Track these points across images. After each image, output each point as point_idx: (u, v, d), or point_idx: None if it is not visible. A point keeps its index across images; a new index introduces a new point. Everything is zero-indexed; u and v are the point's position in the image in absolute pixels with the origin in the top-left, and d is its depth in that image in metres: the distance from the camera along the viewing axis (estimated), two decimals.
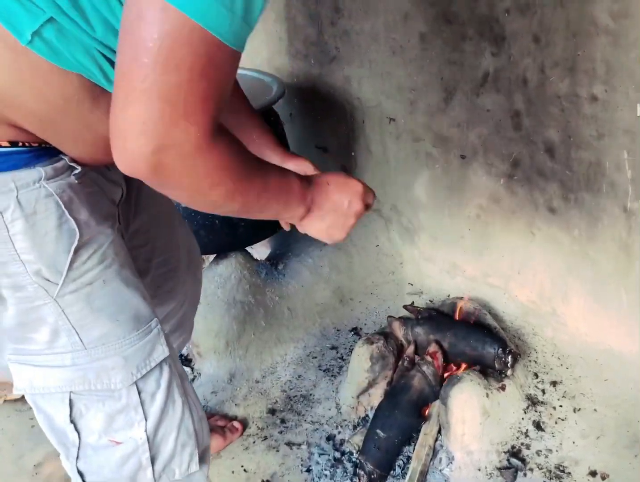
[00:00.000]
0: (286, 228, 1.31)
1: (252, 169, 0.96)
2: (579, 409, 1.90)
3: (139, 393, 1.12)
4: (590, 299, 2.02)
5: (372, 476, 1.73)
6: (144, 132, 0.79)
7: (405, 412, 1.81)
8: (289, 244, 2.56)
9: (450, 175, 2.24)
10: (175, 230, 1.55)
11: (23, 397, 2.00)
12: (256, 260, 2.39)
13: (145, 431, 1.14)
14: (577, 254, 1.99)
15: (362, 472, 1.74)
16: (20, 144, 0.95)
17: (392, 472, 1.78)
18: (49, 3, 0.87)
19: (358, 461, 1.78)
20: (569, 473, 1.74)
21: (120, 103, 0.80)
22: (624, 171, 1.76)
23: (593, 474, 1.72)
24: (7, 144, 0.94)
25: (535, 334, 2.14)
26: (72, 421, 1.11)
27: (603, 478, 1.71)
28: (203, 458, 1.26)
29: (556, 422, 1.87)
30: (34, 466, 1.87)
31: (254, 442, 1.92)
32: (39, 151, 0.97)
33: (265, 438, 1.93)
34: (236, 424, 1.97)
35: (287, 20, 2.52)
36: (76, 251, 1.01)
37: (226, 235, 1.68)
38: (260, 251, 2.65)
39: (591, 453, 1.78)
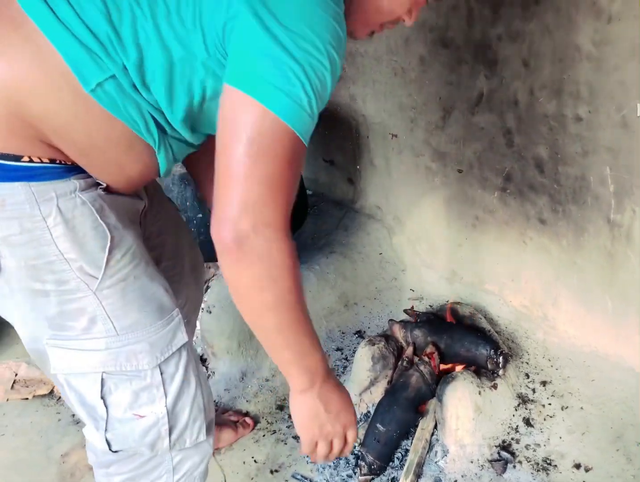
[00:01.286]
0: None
1: (301, 295, 1.12)
2: (567, 407, 2.01)
3: (161, 374, 1.26)
4: (578, 304, 2.13)
5: (372, 467, 1.86)
6: (245, 210, 1.00)
7: (403, 408, 1.94)
8: (297, 251, 2.69)
9: (449, 188, 2.37)
10: (181, 239, 1.70)
11: (51, 392, 2.19)
12: None
13: (166, 406, 1.27)
14: (565, 262, 2.11)
15: (363, 463, 1.87)
16: (57, 161, 1.10)
17: (391, 463, 1.90)
18: (116, 63, 1.04)
19: (359, 452, 1.91)
20: (555, 466, 1.85)
21: (226, 185, 1.01)
22: (607, 185, 1.88)
23: (577, 466, 1.84)
24: (47, 161, 1.08)
25: (528, 337, 2.26)
26: (102, 397, 1.23)
27: (587, 470, 1.83)
28: (209, 429, 1.40)
29: (545, 419, 1.98)
30: (61, 455, 2.01)
31: (263, 435, 2.06)
32: (72, 167, 1.12)
33: (274, 432, 2.07)
34: (248, 419, 2.10)
35: None
36: (110, 251, 1.15)
37: None
38: None
39: (576, 448, 1.89)
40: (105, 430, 1.27)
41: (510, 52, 1.95)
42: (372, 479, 1.87)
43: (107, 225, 1.15)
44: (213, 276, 2.46)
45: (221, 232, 1.02)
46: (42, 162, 1.07)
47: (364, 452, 1.89)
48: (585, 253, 2.04)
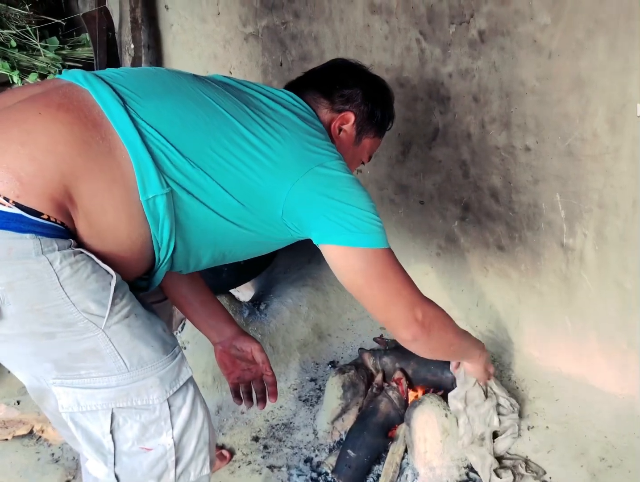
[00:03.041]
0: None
1: (454, 322, 1.61)
2: (532, 427, 2.07)
3: (169, 407, 1.31)
4: (540, 326, 2.20)
5: None
6: (412, 314, 1.42)
7: (373, 433, 1.99)
8: (270, 286, 2.76)
9: (412, 219, 2.46)
10: None
11: (30, 432, 2.23)
12: (240, 301, 2.59)
13: (172, 437, 1.32)
14: (525, 286, 2.19)
15: None
16: (65, 224, 1.18)
17: None
18: (173, 183, 1.26)
19: (332, 479, 1.96)
20: None
21: (389, 312, 1.43)
22: (558, 211, 1.96)
23: None
24: (59, 223, 1.16)
25: (494, 360, 2.32)
26: (110, 432, 1.27)
27: None
28: (212, 463, 1.45)
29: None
30: None
31: (239, 466, 2.10)
32: (73, 233, 1.21)
33: (250, 463, 2.11)
34: (224, 452, 2.13)
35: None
36: (115, 289, 1.21)
37: (210, 280, 1.88)
38: (245, 293, 2.85)
39: (542, 466, 1.93)
40: (114, 464, 1.30)
41: (461, 89, 2.06)
42: None
43: (106, 267, 1.22)
44: None
45: (413, 334, 1.44)
46: (56, 222, 1.15)
47: (335, 479, 1.93)
48: (542, 277, 2.12)
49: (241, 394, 1.86)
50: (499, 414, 1.96)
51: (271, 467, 2.08)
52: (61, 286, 1.14)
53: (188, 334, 2.36)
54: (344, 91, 1.63)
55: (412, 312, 1.42)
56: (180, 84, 1.39)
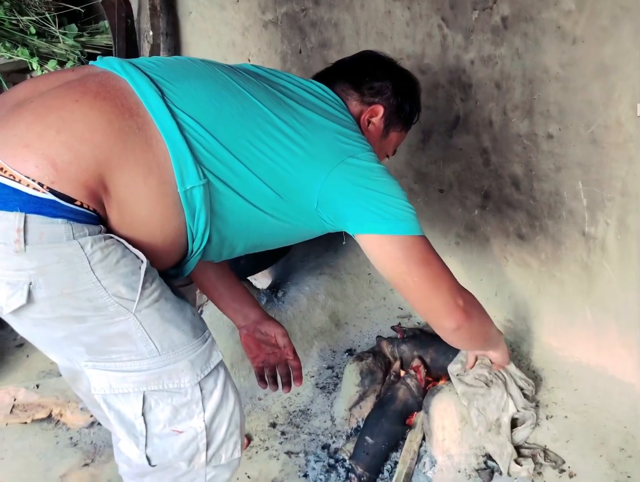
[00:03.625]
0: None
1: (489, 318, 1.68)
2: (551, 417, 2.06)
3: (201, 390, 1.32)
4: (559, 316, 2.19)
5: (362, 479, 1.91)
6: (454, 302, 1.45)
7: (391, 420, 1.99)
8: (288, 273, 2.76)
9: (431, 208, 2.45)
10: None
11: (49, 415, 2.25)
12: (258, 288, 2.59)
13: (204, 420, 1.34)
14: (545, 275, 2.18)
15: (353, 476, 1.92)
16: (97, 211, 1.19)
17: (380, 475, 1.95)
18: (210, 174, 1.27)
19: (350, 465, 1.96)
20: (540, 473, 1.89)
21: (431, 302, 1.45)
22: (580, 199, 1.95)
23: (561, 472, 1.89)
24: (92, 210, 1.17)
25: (513, 350, 2.31)
26: (142, 414, 1.29)
27: (571, 476, 1.88)
28: (241, 447, 1.46)
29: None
30: (60, 476, 2.06)
31: (256, 452, 2.11)
32: (104, 219, 1.22)
33: (267, 449, 2.12)
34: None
35: None
36: (145, 273, 1.22)
37: (229, 268, 1.90)
38: (262, 280, 2.85)
39: (561, 455, 1.93)
40: (146, 446, 1.32)
41: (483, 76, 2.04)
42: None
43: (136, 251, 1.23)
44: (207, 300, 2.52)
45: (457, 321, 1.46)
46: (88, 208, 1.16)
47: (353, 465, 1.94)
48: (563, 266, 2.11)
49: (266, 378, 1.87)
50: (523, 393, 1.97)
51: (289, 453, 2.09)
52: (92, 270, 1.15)
53: (206, 320, 2.33)
54: (373, 84, 1.63)
55: (454, 299, 1.44)
56: (214, 73, 1.40)
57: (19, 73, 3.29)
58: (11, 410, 2.26)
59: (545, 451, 1.93)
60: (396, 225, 1.34)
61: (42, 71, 3.22)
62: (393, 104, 1.66)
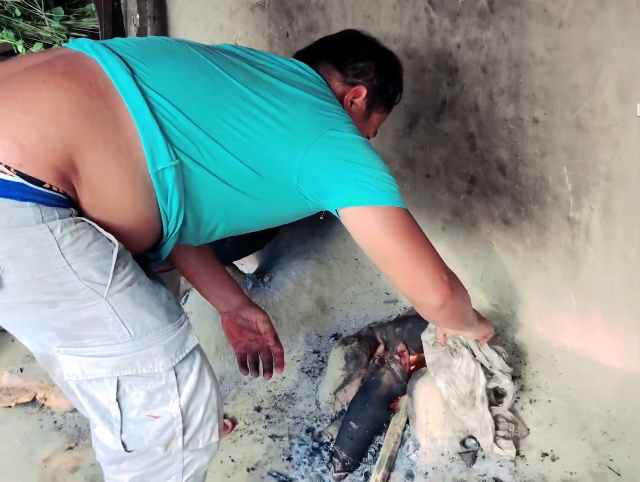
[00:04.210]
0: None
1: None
2: (535, 401, 2.07)
3: (176, 375, 1.30)
4: (544, 301, 2.20)
5: (346, 463, 1.91)
6: (437, 275, 1.37)
7: (376, 406, 1.99)
8: (274, 258, 2.76)
9: (418, 193, 2.45)
10: None
11: (33, 399, 2.23)
12: (243, 273, 2.59)
13: (179, 405, 1.31)
14: (530, 260, 2.18)
15: (336, 460, 1.92)
16: (67, 194, 1.16)
17: (364, 459, 1.96)
18: (182, 154, 1.24)
19: (333, 449, 1.97)
20: (523, 456, 1.90)
21: (413, 275, 1.36)
22: (565, 184, 1.95)
23: (544, 455, 1.91)
24: (61, 192, 1.14)
25: (497, 334, 2.32)
26: (117, 400, 1.26)
27: (553, 460, 1.88)
28: (220, 430, 1.44)
29: (513, 412, 2.05)
30: (43, 460, 2.05)
31: (241, 436, 2.11)
32: (74, 202, 1.18)
33: (251, 432, 2.12)
34: (226, 421, 2.14)
35: None
36: (117, 257, 1.19)
37: (214, 251, 1.89)
38: (249, 265, 2.84)
39: (544, 439, 1.94)
40: (121, 431, 1.30)
41: (469, 59, 2.03)
42: (346, 475, 1.92)
43: (107, 234, 1.20)
44: (192, 286, 2.51)
45: (443, 297, 1.37)
46: (58, 191, 1.13)
47: (337, 449, 1.94)
48: (548, 251, 2.11)
49: (248, 365, 1.86)
50: (489, 371, 1.95)
51: (273, 436, 2.09)
52: (62, 254, 1.13)
53: (191, 305, 2.36)
54: (357, 64, 1.61)
55: (439, 273, 1.37)
56: (189, 53, 1.37)
57: (4, 56, 3.25)
58: None
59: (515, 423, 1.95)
60: (378, 196, 1.31)
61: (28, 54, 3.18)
62: (376, 85, 1.63)
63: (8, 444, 2.13)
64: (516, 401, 2.07)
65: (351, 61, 1.60)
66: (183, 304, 2.45)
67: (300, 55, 1.64)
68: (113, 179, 1.19)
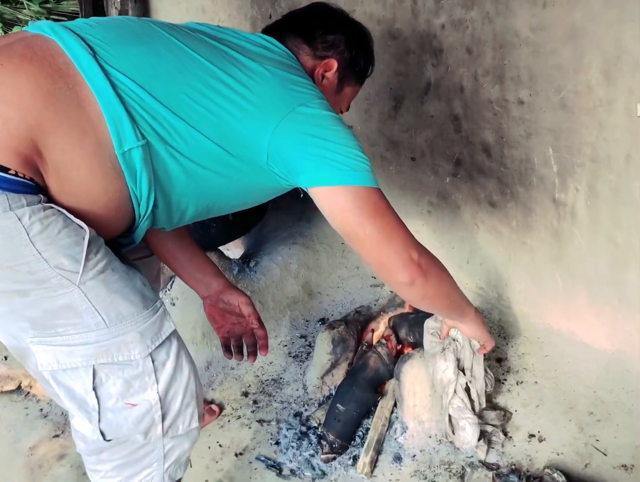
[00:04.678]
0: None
1: (451, 277, 1.55)
2: (521, 382, 2.08)
3: (153, 361, 1.27)
4: (530, 283, 2.20)
5: (334, 445, 1.92)
6: (407, 255, 1.34)
7: (363, 388, 2.00)
8: (260, 243, 2.74)
9: (403, 176, 2.44)
10: None
11: (18, 387, 2.21)
12: (229, 258, 2.57)
13: (158, 392, 1.29)
14: (515, 242, 2.18)
15: (324, 443, 1.93)
16: (34, 180, 1.13)
17: (352, 442, 1.96)
18: (149, 134, 1.21)
19: (321, 432, 1.97)
20: (510, 437, 1.92)
21: (382, 254, 1.33)
22: (551, 166, 1.94)
23: (531, 436, 1.92)
24: (28, 178, 1.11)
25: (485, 317, 2.33)
26: (94, 389, 1.24)
27: (540, 441, 1.90)
28: (200, 416, 1.42)
29: (500, 394, 2.06)
30: (29, 448, 2.04)
31: (228, 421, 2.11)
32: (42, 188, 1.15)
33: (239, 417, 2.12)
34: (214, 407, 2.14)
35: None
36: (89, 244, 1.16)
37: (199, 236, 1.87)
38: (235, 250, 2.83)
39: (531, 420, 1.95)
40: (99, 421, 1.28)
41: (454, 40, 2.02)
42: (334, 457, 1.92)
43: (78, 221, 1.17)
44: None
45: (410, 275, 1.35)
46: (24, 177, 1.10)
47: (325, 432, 1.94)
48: (534, 233, 2.11)
49: (232, 348, 1.85)
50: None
51: (261, 421, 2.09)
52: (31, 243, 1.10)
53: (177, 291, 2.35)
54: (326, 37, 1.57)
55: (407, 252, 1.35)
56: (152, 31, 1.33)
57: None
58: None
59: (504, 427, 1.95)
60: (349, 175, 1.28)
61: None
62: (347, 57, 1.60)
63: None
64: (503, 383, 2.08)
65: (320, 34, 1.57)
66: (168, 290, 2.43)
67: (268, 31, 1.60)
68: (80, 163, 1.16)
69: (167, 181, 1.28)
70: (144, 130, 1.20)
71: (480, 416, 1.91)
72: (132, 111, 1.19)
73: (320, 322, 2.51)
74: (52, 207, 1.14)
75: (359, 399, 1.98)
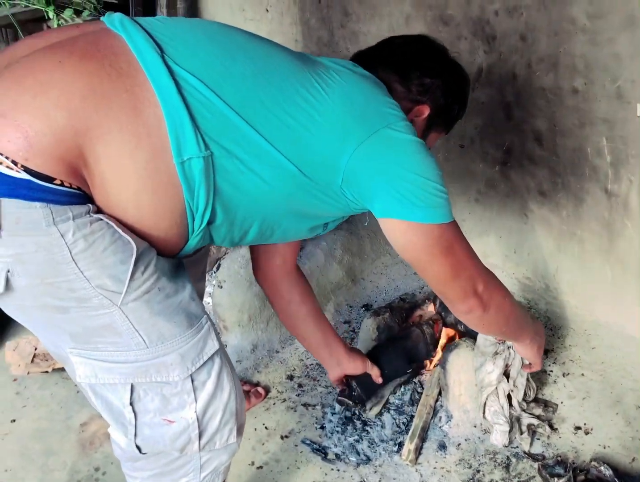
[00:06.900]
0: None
1: (514, 300, 1.59)
2: (568, 374, 2.07)
3: (192, 381, 1.23)
4: (579, 274, 2.18)
5: (354, 393, 1.97)
6: (474, 288, 1.38)
7: (398, 354, 2.04)
8: None
9: (451, 163, 2.42)
10: None
11: None
12: None
13: (195, 411, 1.25)
14: (565, 233, 2.16)
15: (346, 388, 1.99)
16: (81, 189, 1.07)
17: (373, 399, 2.03)
18: (214, 143, 1.12)
19: (346, 379, 2.01)
20: (556, 429, 1.91)
21: (451, 286, 1.37)
22: (604, 156, 1.91)
23: (577, 429, 1.90)
24: (75, 188, 1.05)
25: (530, 307, 2.31)
26: (131, 404, 1.20)
27: (586, 433, 1.89)
28: (240, 431, 1.39)
29: (546, 385, 2.04)
30: (80, 424, 2.09)
31: (274, 404, 2.13)
32: (90, 196, 1.09)
33: (284, 400, 2.14)
34: (260, 389, 2.16)
35: (302, 24, 2.72)
36: (135, 263, 1.09)
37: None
38: None
39: (577, 412, 1.94)
40: (135, 435, 1.25)
41: (508, 27, 1.99)
42: (349, 404, 1.99)
43: (127, 236, 1.10)
44: (225, 254, 2.52)
45: (470, 307, 1.40)
46: (70, 187, 1.04)
47: (349, 379, 1.99)
48: (584, 224, 2.08)
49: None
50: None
51: (306, 405, 2.11)
52: (74, 261, 1.05)
53: (224, 273, 2.36)
54: (424, 80, 1.47)
55: (472, 286, 1.37)
56: (229, 34, 1.26)
57: (35, 22, 3.23)
58: (32, 359, 2.29)
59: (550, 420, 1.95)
60: (426, 213, 1.24)
61: (58, 20, 3.17)
62: (441, 104, 1.51)
63: (46, 409, 2.18)
64: (549, 374, 2.07)
65: (418, 75, 1.47)
66: (215, 273, 2.46)
67: (361, 57, 1.51)
68: (129, 175, 1.08)
69: (230, 197, 1.19)
70: (208, 138, 1.11)
71: (524, 409, 1.91)
72: (197, 115, 1.10)
73: (363, 308, 2.51)
74: (101, 220, 1.07)
75: (392, 362, 2.02)
